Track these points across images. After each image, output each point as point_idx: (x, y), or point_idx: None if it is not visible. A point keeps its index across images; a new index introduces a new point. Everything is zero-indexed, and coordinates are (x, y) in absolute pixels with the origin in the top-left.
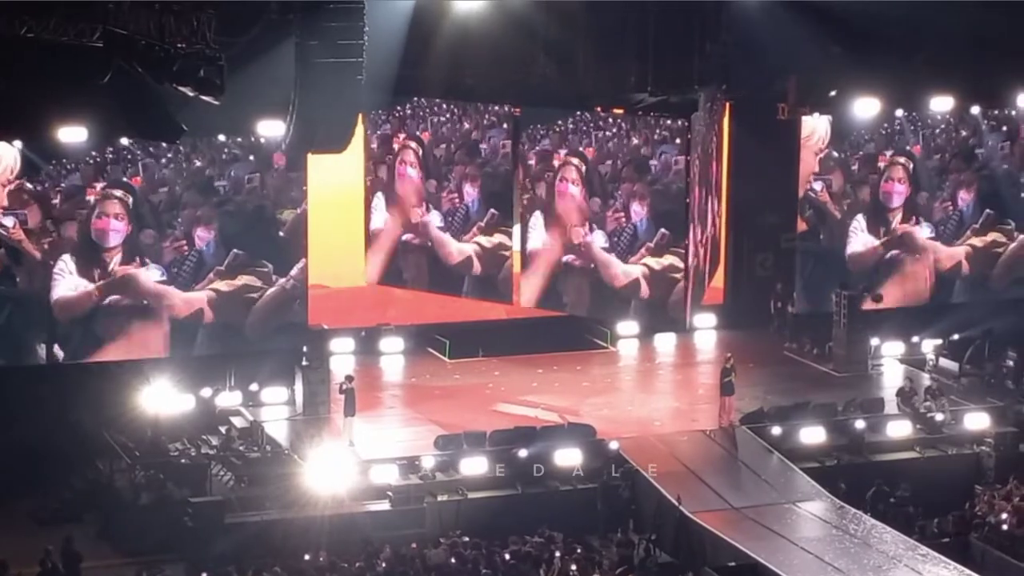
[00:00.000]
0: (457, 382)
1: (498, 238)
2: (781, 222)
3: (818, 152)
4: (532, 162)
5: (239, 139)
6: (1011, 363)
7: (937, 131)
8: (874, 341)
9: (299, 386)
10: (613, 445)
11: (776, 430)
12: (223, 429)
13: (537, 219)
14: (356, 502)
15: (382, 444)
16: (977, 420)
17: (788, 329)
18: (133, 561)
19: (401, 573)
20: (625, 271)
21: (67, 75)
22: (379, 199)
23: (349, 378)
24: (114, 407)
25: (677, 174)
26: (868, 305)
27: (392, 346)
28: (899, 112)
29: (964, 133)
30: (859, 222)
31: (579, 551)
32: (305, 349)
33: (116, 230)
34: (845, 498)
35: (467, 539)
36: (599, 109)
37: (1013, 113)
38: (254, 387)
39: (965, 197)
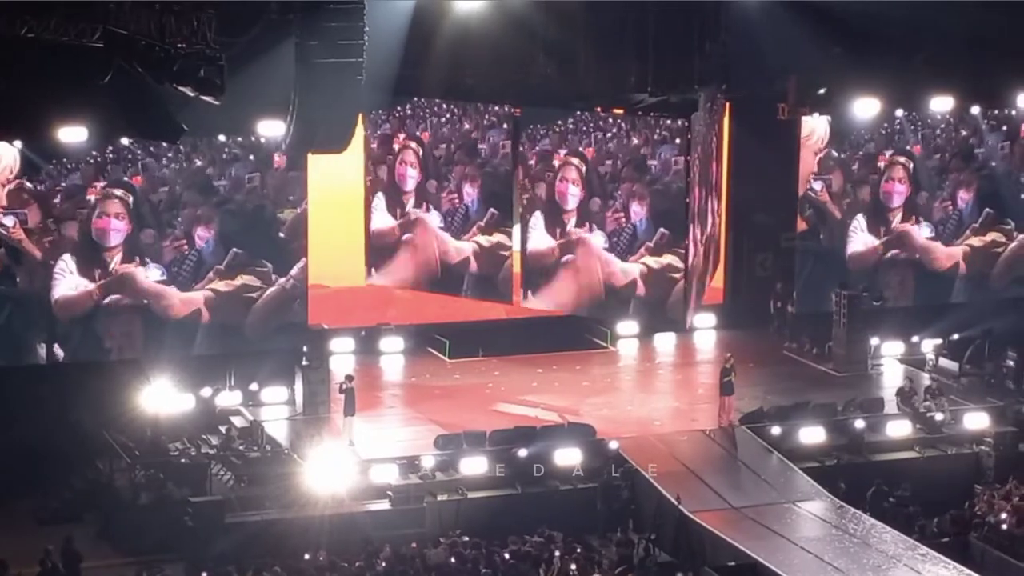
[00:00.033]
0: (457, 382)
1: (498, 238)
2: (777, 222)
3: (818, 152)
4: (532, 162)
5: (239, 139)
6: (1011, 363)
7: (937, 131)
8: (874, 341)
9: (299, 386)
10: (613, 445)
11: (776, 430)
12: (223, 429)
13: (537, 219)
14: (356, 502)
15: (382, 444)
16: (977, 420)
17: (788, 329)
18: (133, 561)
19: (401, 573)
20: (624, 270)
21: (67, 75)
22: (379, 199)
23: (349, 378)
24: (114, 407)
25: (677, 174)
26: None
27: (392, 346)
28: (899, 112)
29: (964, 133)
30: (859, 222)
31: (579, 551)
32: (305, 349)
33: (116, 229)
34: (845, 498)
35: (467, 539)
36: (599, 109)
37: (1013, 113)
38: (254, 387)
39: (965, 197)
